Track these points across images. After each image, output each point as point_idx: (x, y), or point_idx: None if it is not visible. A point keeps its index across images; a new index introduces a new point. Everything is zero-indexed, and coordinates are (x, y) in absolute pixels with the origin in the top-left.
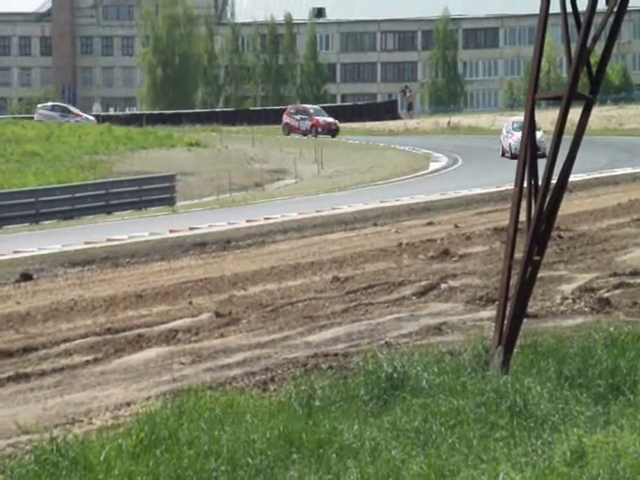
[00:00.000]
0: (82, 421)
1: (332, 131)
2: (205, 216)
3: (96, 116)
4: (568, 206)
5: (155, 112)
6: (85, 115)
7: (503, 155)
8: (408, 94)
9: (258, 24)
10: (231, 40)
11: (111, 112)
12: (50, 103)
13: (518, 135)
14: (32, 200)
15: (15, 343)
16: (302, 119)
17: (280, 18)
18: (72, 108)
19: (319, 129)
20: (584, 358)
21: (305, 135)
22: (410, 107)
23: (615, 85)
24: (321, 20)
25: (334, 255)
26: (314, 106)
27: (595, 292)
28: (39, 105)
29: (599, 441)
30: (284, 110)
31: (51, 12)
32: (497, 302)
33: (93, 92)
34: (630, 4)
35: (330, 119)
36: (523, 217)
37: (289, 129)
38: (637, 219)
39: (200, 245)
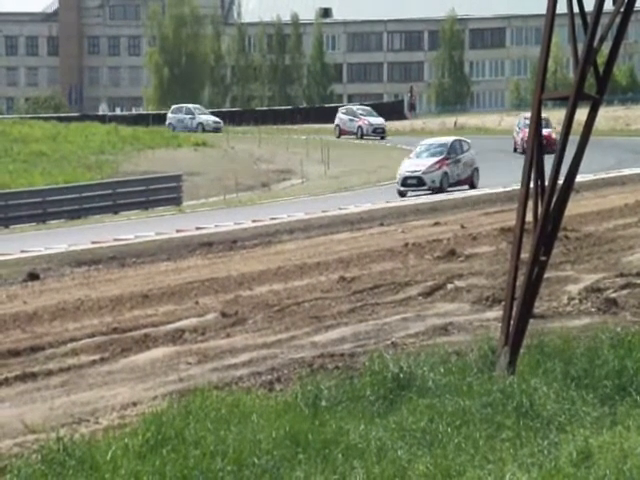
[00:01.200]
0: (89, 421)
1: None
2: (212, 216)
3: (102, 116)
4: (575, 206)
5: (162, 112)
6: (368, 119)
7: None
8: (411, 95)
9: (265, 24)
10: (238, 40)
11: (117, 112)
12: (352, 106)
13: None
14: (39, 200)
15: (22, 342)
16: (518, 130)
17: (287, 18)
18: (360, 110)
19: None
20: (591, 358)
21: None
22: (411, 108)
23: (622, 86)
24: (328, 20)
25: (340, 255)
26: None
27: (602, 292)
28: (340, 108)
29: (605, 442)
30: (291, 110)
31: (58, 12)
32: (503, 302)
33: (100, 92)
34: (637, 4)
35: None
36: (530, 217)
37: (515, 145)
38: None
39: (206, 245)
